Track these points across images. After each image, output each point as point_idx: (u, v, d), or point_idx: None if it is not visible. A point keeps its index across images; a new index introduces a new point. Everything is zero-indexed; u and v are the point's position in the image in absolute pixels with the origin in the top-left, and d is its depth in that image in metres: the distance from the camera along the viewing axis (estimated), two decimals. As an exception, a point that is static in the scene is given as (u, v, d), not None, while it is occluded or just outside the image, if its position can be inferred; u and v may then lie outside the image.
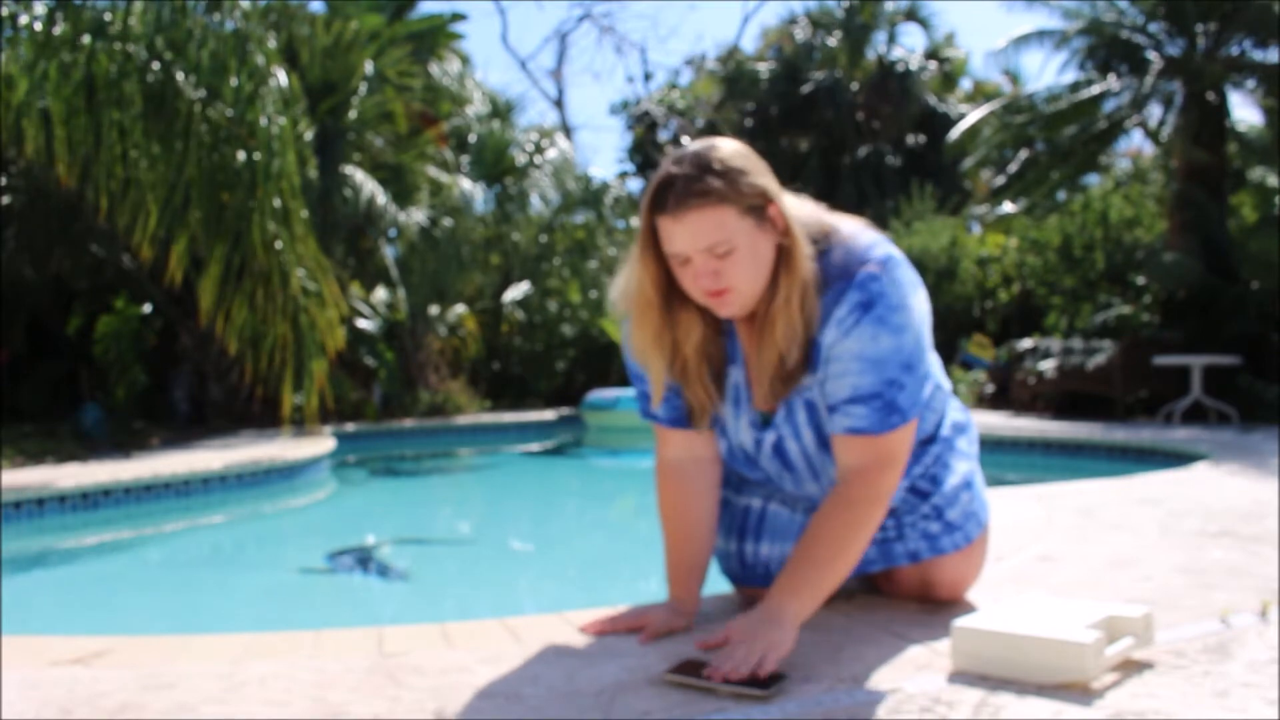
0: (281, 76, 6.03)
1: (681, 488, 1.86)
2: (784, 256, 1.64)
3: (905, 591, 1.96)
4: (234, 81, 5.59)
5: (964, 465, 1.94)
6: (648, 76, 24.17)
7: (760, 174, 1.63)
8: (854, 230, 1.71)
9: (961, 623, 1.55)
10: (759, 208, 1.62)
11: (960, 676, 1.51)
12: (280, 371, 5.99)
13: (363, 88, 10.56)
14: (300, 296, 5.90)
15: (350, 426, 9.64)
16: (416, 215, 11.10)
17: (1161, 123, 10.42)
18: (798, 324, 1.65)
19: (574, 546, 5.11)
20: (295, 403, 6.28)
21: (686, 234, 1.60)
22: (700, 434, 1.86)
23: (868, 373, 1.64)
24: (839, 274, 1.66)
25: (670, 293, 1.71)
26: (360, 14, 10.97)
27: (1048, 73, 49.51)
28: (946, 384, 1.95)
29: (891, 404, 1.65)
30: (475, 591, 3.96)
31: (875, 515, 1.68)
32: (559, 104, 23.47)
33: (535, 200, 13.15)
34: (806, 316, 1.66)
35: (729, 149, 1.64)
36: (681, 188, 1.59)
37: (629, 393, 10.73)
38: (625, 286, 1.75)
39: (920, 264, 12.22)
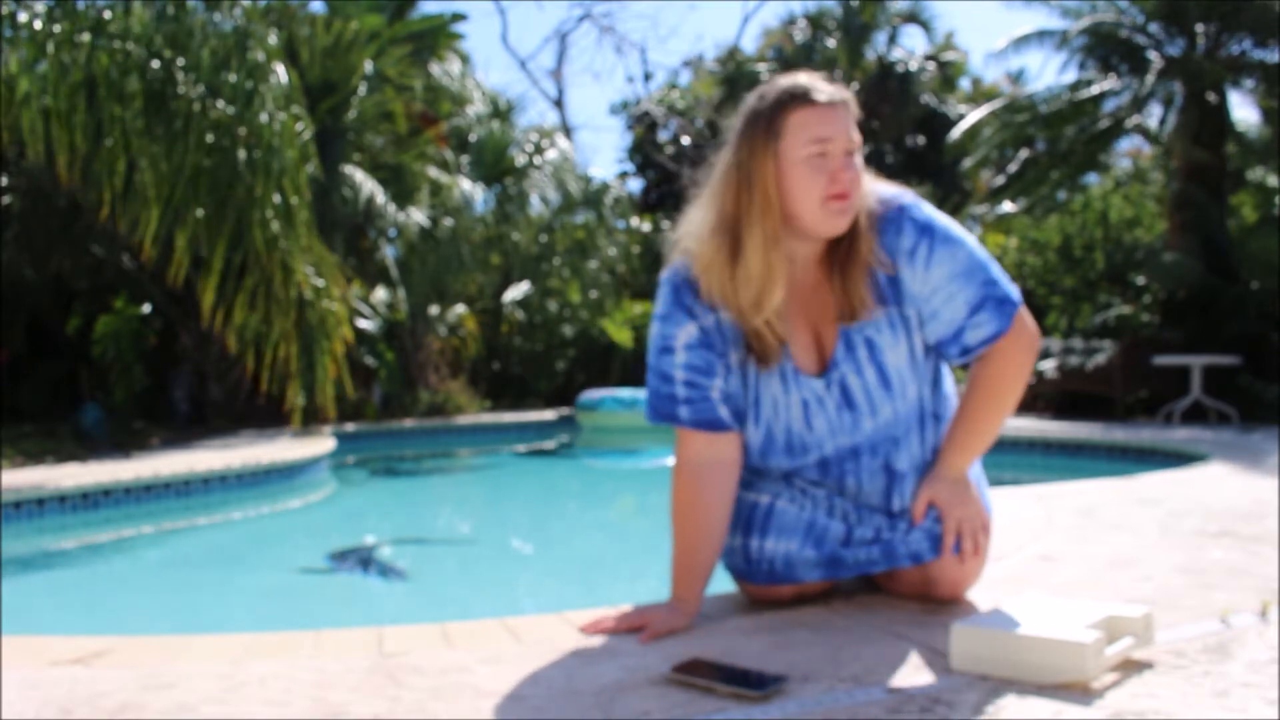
0: (281, 73, 6.02)
1: (699, 489, 1.87)
2: None
3: (906, 590, 1.96)
4: (233, 78, 5.58)
5: (971, 468, 1.94)
6: (648, 76, 24.12)
7: None
8: (868, 178, 1.85)
9: (961, 623, 1.55)
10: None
11: (960, 676, 1.51)
12: (285, 368, 5.99)
13: (363, 88, 10.55)
14: (306, 291, 5.91)
15: (350, 426, 9.63)
16: (416, 215, 11.09)
17: (1161, 122, 10.43)
18: (871, 243, 1.79)
19: (574, 546, 5.11)
20: (300, 403, 6.28)
21: (839, 120, 1.73)
22: (721, 436, 1.88)
23: (968, 285, 1.78)
24: (880, 211, 1.80)
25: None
26: (360, 14, 10.96)
27: (1048, 72, 49.51)
28: (950, 382, 1.97)
29: (999, 299, 1.79)
30: (475, 591, 3.95)
31: (1027, 360, 1.83)
32: (559, 104, 23.45)
33: (535, 200, 13.14)
34: (871, 241, 1.80)
35: None
36: (827, 83, 1.74)
37: (615, 393, 10.76)
38: (727, 205, 1.78)
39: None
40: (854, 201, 1.74)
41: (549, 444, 10.38)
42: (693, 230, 1.82)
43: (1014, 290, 1.82)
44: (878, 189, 1.83)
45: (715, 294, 1.80)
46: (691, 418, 1.86)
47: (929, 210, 1.81)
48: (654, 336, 1.88)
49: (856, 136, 1.75)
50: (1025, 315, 1.83)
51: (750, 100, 1.78)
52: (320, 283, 6.07)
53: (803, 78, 1.76)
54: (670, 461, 1.93)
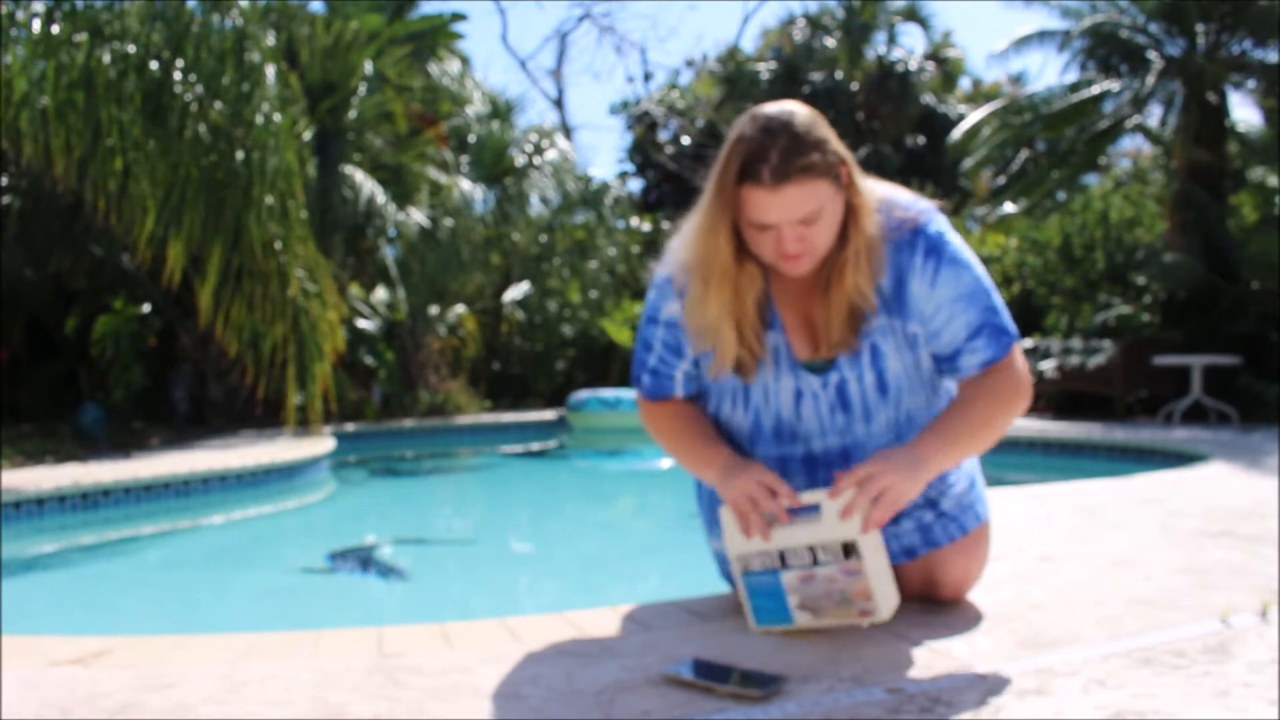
0: (271, 74, 6.00)
1: (672, 418, 1.92)
2: (852, 213, 1.72)
3: (908, 590, 1.96)
4: (227, 79, 5.57)
5: (966, 461, 1.94)
6: (648, 76, 24.09)
7: (834, 139, 1.70)
8: (890, 189, 1.81)
9: None
10: (837, 174, 1.68)
11: (960, 676, 1.51)
12: (281, 372, 5.98)
13: (362, 88, 10.55)
14: (300, 298, 5.89)
15: (350, 426, 9.63)
16: (416, 215, 11.10)
17: (1162, 123, 10.42)
18: (867, 275, 1.74)
19: (574, 546, 5.11)
20: (297, 404, 6.28)
21: (782, 205, 1.64)
22: (672, 399, 1.96)
23: (970, 309, 1.76)
24: (895, 226, 1.76)
25: (736, 253, 1.76)
26: (360, 14, 10.97)
27: (1049, 73, 49.51)
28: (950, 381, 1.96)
29: (998, 327, 1.78)
30: (475, 591, 3.96)
31: (1020, 400, 1.79)
32: (559, 104, 23.43)
33: (535, 200, 13.14)
34: (873, 268, 1.75)
35: (809, 115, 1.68)
36: (779, 161, 1.62)
37: (599, 394, 10.76)
38: (696, 256, 1.76)
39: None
40: (807, 259, 1.70)
41: (543, 444, 10.37)
42: (679, 257, 1.83)
43: (1011, 324, 1.81)
44: (895, 199, 1.79)
45: (686, 322, 1.84)
46: (649, 388, 1.94)
47: (944, 229, 1.78)
48: (647, 303, 1.93)
49: (814, 205, 1.64)
50: (1018, 355, 1.81)
51: (724, 147, 1.70)
52: (313, 287, 6.05)
53: (764, 137, 1.63)
54: (662, 463, 1.94)
